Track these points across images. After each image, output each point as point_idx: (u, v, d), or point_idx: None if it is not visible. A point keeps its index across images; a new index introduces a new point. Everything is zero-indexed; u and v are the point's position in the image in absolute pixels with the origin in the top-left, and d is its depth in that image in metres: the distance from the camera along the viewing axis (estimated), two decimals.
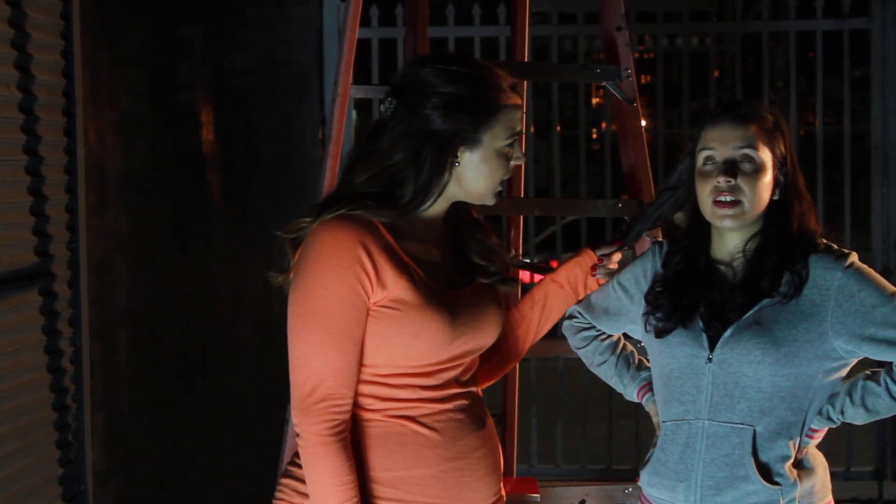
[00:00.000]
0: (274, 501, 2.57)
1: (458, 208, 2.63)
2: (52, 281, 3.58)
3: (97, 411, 3.83)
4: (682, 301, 2.69)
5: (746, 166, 2.61)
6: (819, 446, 2.72)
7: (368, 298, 2.41)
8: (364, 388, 2.46)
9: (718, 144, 2.63)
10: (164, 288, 4.50)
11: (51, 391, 3.59)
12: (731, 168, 2.60)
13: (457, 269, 2.59)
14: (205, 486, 4.89)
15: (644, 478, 2.79)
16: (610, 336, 3.01)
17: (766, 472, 2.60)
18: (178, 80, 4.84)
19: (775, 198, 2.65)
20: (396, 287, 2.41)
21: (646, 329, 2.76)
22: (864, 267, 2.62)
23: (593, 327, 2.99)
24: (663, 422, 2.75)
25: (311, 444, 2.39)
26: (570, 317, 3.01)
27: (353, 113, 7.27)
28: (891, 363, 2.60)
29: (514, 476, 4.01)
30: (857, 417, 2.65)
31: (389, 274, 2.41)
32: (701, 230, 2.73)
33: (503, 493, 2.64)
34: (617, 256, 2.95)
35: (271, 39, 6.19)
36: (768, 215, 2.65)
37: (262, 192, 5.73)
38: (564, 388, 6.84)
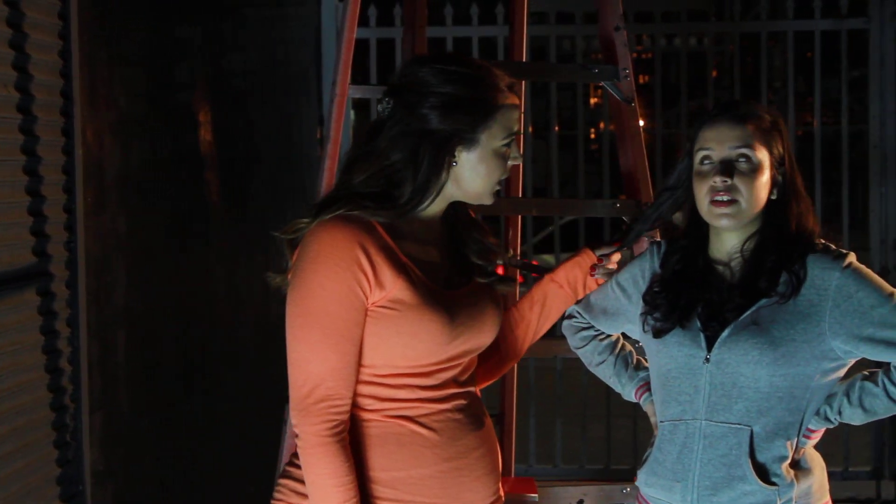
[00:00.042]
0: (272, 502, 2.57)
1: (456, 208, 2.63)
2: (50, 281, 3.58)
3: (95, 411, 3.83)
4: (679, 301, 2.69)
5: (743, 166, 2.61)
6: (817, 446, 2.72)
7: (367, 299, 2.41)
8: (362, 389, 2.46)
9: (715, 144, 2.63)
10: (163, 288, 4.50)
11: (49, 391, 3.59)
12: (727, 168, 2.60)
13: (455, 269, 2.59)
14: (203, 486, 4.89)
15: (641, 478, 2.79)
16: (609, 336, 3.01)
17: (763, 473, 2.60)
18: (176, 80, 4.84)
19: (773, 197, 2.65)
20: (394, 287, 2.41)
21: (644, 329, 2.76)
22: (863, 267, 2.62)
23: (592, 327, 2.99)
24: (661, 422, 2.75)
25: (310, 444, 2.39)
26: (570, 316, 3.02)
27: (352, 113, 7.27)
28: (889, 364, 2.60)
29: (513, 476, 4.01)
30: (855, 418, 2.65)
31: (387, 274, 2.41)
32: (699, 230, 2.73)
33: (502, 493, 2.64)
34: (616, 256, 2.95)
35: (270, 39, 6.19)
36: (766, 215, 2.66)
37: (260, 192, 5.73)
38: (563, 388, 6.84)
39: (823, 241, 2.67)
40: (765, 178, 2.62)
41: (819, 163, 6.68)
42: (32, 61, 3.48)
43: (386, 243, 2.44)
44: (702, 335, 2.64)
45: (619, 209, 3.64)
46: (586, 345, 3.02)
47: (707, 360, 2.62)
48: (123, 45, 4.20)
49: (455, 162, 2.50)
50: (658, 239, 2.96)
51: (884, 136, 6.65)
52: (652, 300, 2.76)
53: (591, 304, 2.95)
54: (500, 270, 2.75)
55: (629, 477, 3.15)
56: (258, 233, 5.38)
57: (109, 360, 3.97)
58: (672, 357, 2.68)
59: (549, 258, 8.21)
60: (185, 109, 4.88)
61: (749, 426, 2.60)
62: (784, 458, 2.61)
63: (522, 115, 2.66)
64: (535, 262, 6.47)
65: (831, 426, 2.67)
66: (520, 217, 4.15)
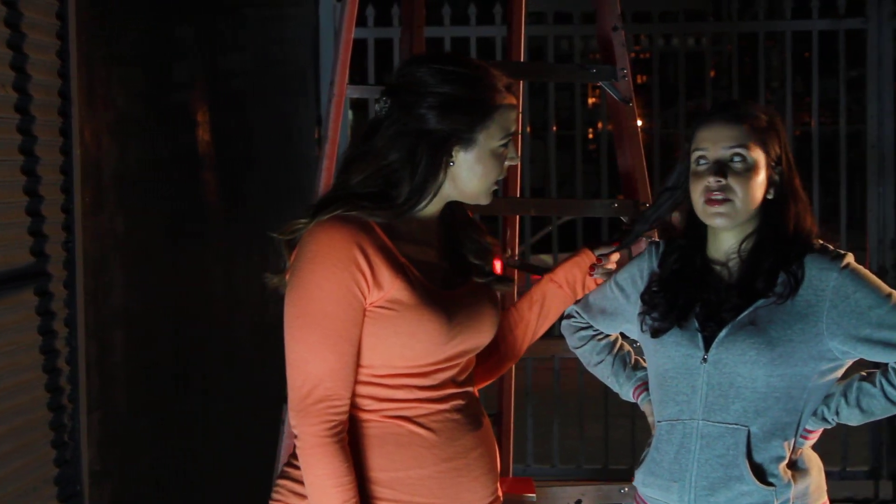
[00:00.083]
0: (270, 502, 2.57)
1: (453, 208, 2.63)
2: (48, 281, 3.58)
3: (93, 411, 3.83)
4: (677, 301, 2.69)
5: (738, 165, 2.61)
6: (815, 446, 2.72)
7: (365, 299, 2.41)
8: (361, 389, 2.46)
9: (710, 144, 2.64)
10: (161, 288, 4.49)
11: (47, 391, 3.59)
12: (721, 168, 2.61)
13: (452, 269, 2.59)
14: (201, 486, 4.89)
15: (639, 478, 2.79)
16: (607, 336, 3.01)
17: (760, 473, 2.60)
18: (174, 79, 4.83)
19: (770, 197, 2.65)
20: (392, 287, 2.41)
21: (642, 329, 2.76)
22: (860, 268, 2.62)
23: (591, 327, 2.99)
24: (658, 422, 2.75)
25: (309, 445, 2.39)
26: (568, 316, 3.02)
27: (350, 113, 7.27)
28: (886, 364, 2.60)
29: (511, 476, 4.01)
30: (852, 418, 2.65)
31: (385, 274, 2.41)
32: (697, 230, 2.73)
33: (500, 493, 2.64)
34: (615, 256, 2.95)
35: (268, 39, 6.19)
36: (764, 215, 2.66)
37: (258, 192, 5.73)
38: (561, 388, 6.84)
39: (821, 242, 2.67)
40: (760, 177, 2.62)
41: (817, 163, 6.69)
42: (30, 61, 3.48)
43: (384, 243, 2.44)
44: (699, 335, 2.64)
45: (617, 209, 3.64)
46: (584, 345, 3.02)
47: (704, 360, 2.63)
48: (121, 45, 4.20)
49: (452, 162, 2.50)
50: (656, 239, 2.96)
51: (882, 136, 6.66)
52: (650, 300, 2.76)
53: (589, 303, 2.95)
54: (498, 267, 2.76)
55: (627, 477, 3.15)
56: (256, 233, 5.38)
57: (107, 360, 3.97)
58: (669, 357, 2.68)
59: (547, 258, 8.20)
60: (183, 109, 4.88)
61: (746, 426, 2.60)
62: (781, 458, 2.61)
63: (520, 116, 2.66)
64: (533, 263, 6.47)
65: (829, 427, 2.68)
66: (518, 217, 4.15)
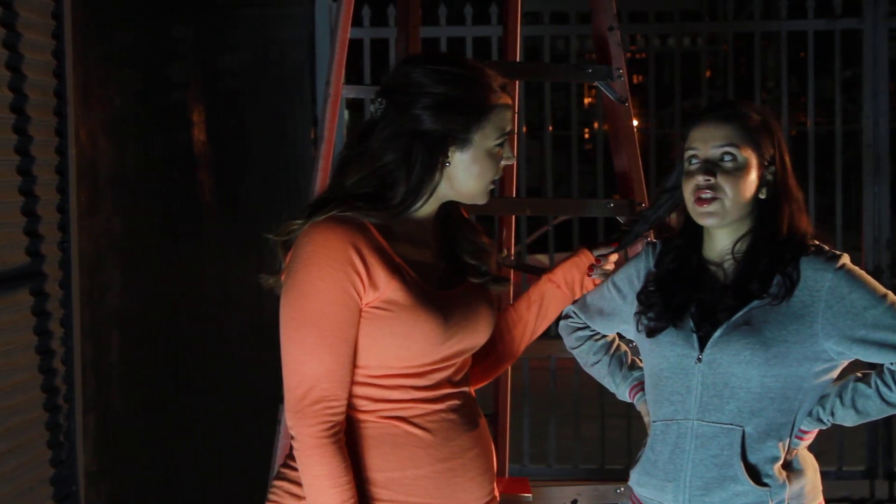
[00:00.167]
0: (266, 503, 2.57)
1: (449, 208, 2.63)
2: (43, 281, 3.58)
3: (89, 412, 3.83)
4: (673, 301, 2.69)
5: (727, 165, 2.62)
6: (811, 446, 2.72)
7: (360, 300, 2.41)
8: (356, 390, 2.46)
9: (700, 144, 2.65)
10: (156, 288, 4.49)
11: (42, 391, 3.58)
12: (711, 167, 2.62)
13: (448, 270, 2.59)
14: (197, 486, 4.89)
15: (634, 477, 2.79)
16: (604, 336, 3.01)
17: (755, 473, 2.60)
18: (169, 79, 4.83)
19: (762, 197, 2.65)
20: (388, 288, 2.41)
21: (637, 329, 2.77)
22: (856, 269, 2.62)
23: (588, 327, 3.00)
24: (653, 422, 2.76)
25: (307, 446, 2.39)
26: (566, 317, 3.02)
27: (346, 113, 7.27)
28: (882, 365, 2.60)
29: (507, 476, 4.01)
30: (848, 419, 2.65)
31: (381, 275, 2.41)
32: (693, 230, 2.74)
33: (496, 493, 2.64)
34: (614, 257, 2.96)
35: (264, 39, 6.18)
36: (758, 216, 2.66)
37: (254, 193, 5.73)
38: (557, 389, 6.84)
39: (817, 242, 2.67)
40: (751, 177, 2.63)
41: (812, 163, 6.70)
42: (26, 61, 3.47)
43: (379, 244, 2.44)
44: (694, 335, 2.64)
45: (613, 209, 3.64)
46: (582, 345, 3.02)
47: (699, 360, 2.63)
48: (117, 45, 4.20)
49: (448, 162, 2.50)
50: (653, 239, 2.96)
51: (877, 136, 6.67)
52: (646, 299, 2.76)
53: (587, 304, 2.95)
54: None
55: (623, 477, 3.16)
56: (252, 233, 5.37)
57: (103, 360, 3.97)
58: (664, 357, 2.69)
59: (543, 258, 8.21)
60: (179, 109, 4.88)
61: (741, 426, 2.60)
62: (776, 458, 2.61)
63: (516, 116, 2.66)
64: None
65: (824, 427, 2.67)
66: (514, 217, 4.15)
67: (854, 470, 6.73)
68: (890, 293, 2.59)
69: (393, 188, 2.48)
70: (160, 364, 4.54)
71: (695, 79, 8.21)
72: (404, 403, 2.47)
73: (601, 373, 3.02)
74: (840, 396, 2.63)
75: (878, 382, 2.60)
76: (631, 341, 2.93)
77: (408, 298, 2.43)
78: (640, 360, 2.90)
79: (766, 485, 2.59)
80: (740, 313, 2.61)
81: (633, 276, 2.85)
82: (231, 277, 5.32)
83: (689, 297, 2.68)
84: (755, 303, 2.60)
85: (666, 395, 2.70)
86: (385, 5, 6.75)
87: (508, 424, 4.07)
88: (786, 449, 2.63)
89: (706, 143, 2.64)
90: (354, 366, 2.44)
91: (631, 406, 2.99)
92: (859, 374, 2.66)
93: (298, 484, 2.47)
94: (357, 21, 6.49)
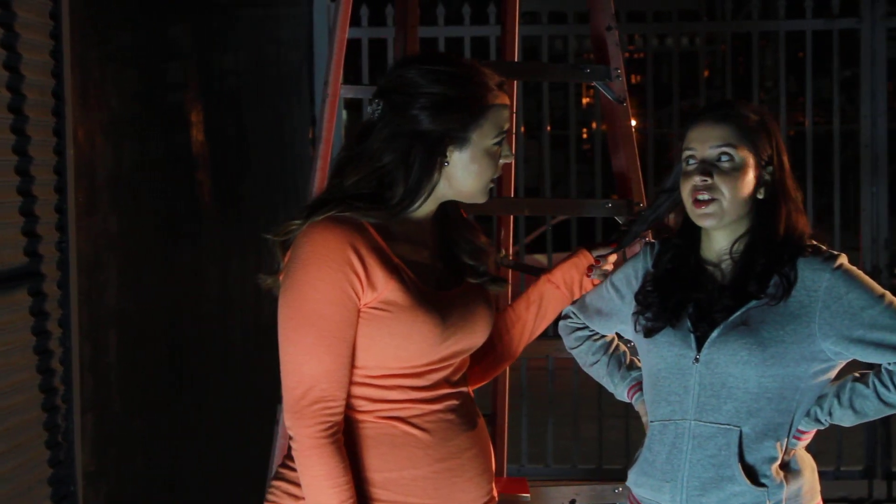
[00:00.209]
0: (265, 503, 2.57)
1: (448, 208, 2.63)
2: (41, 281, 3.58)
3: (87, 412, 3.82)
4: (670, 301, 2.69)
5: (724, 165, 2.62)
6: (809, 445, 2.72)
7: (359, 300, 2.40)
8: (354, 390, 2.46)
9: (698, 144, 2.65)
10: (154, 288, 4.49)
11: (40, 392, 3.58)
12: (708, 167, 2.62)
13: (446, 270, 2.59)
14: (195, 487, 4.89)
15: (631, 477, 2.79)
16: (603, 336, 3.01)
17: (752, 474, 2.60)
18: (167, 80, 4.83)
19: (760, 197, 2.65)
20: (386, 289, 2.41)
21: (635, 329, 2.77)
22: (853, 269, 2.62)
23: (587, 327, 3.00)
24: (651, 422, 2.76)
25: (305, 447, 2.39)
26: (565, 317, 3.02)
27: (344, 113, 7.27)
28: (880, 365, 2.60)
29: (505, 476, 4.01)
30: (845, 419, 2.65)
31: (379, 275, 2.41)
32: (691, 230, 2.74)
33: (495, 493, 2.64)
34: (613, 258, 2.96)
35: (262, 39, 6.18)
36: (756, 216, 2.66)
37: (252, 193, 5.73)
38: (555, 389, 6.84)
39: (814, 243, 2.67)
40: (748, 177, 2.63)
41: (810, 163, 6.70)
42: (24, 61, 3.47)
43: (377, 244, 2.44)
44: (692, 335, 2.64)
45: (611, 209, 3.64)
46: (581, 345, 3.02)
47: (696, 360, 2.63)
48: (115, 45, 4.20)
49: (447, 162, 2.50)
50: (651, 240, 2.96)
51: (875, 136, 6.67)
52: (644, 299, 2.76)
53: (585, 304, 2.95)
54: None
55: (621, 477, 3.16)
56: (250, 233, 5.38)
57: (101, 360, 3.97)
58: (662, 357, 2.69)
59: (541, 258, 8.21)
60: (177, 109, 4.88)
61: (738, 427, 2.60)
62: (773, 459, 2.61)
63: (514, 115, 2.66)
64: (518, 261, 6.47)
65: (821, 427, 2.67)
66: (512, 217, 4.15)
67: (852, 470, 6.73)
68: (887, 293, 2.59)
69: (392, 188, 2.48)
70: (158, 364, 4.54)
71: (693, 79, 8.22)
72: (402, 404, 2.47)
73: (600, 373, 3.02)
74: (838, 396, 2.63)
75: (876, 382, 2.60)
76: (629, 341, 2.93)
77: (406, 299, 2.43)
78: (639, 361, 2.90)
79: (763, 485, 2.59)
80: (738, 313, 2.61)
81: (632, 276, 2.86)
82: (229, 277, 5.32)
83: (686, 298, 2.68)
84: (753, 303, 2.60)
85: (663, 395, 2.70)
86: (383, 5, 6.75)
87: (507, 424, 4.07)
88: (783, 449, 2.63)
89: (703, 143, 2.64)
90: (353, 366, 2.44)
91: (629, 406, 2.99)
92: (857, 375, 2.66)
93: (297, 484, 2.47)
94: (355, 21, 6.49)
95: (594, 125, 8.38)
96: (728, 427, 2.61)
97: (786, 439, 2.63)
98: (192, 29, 5.08)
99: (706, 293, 2.67)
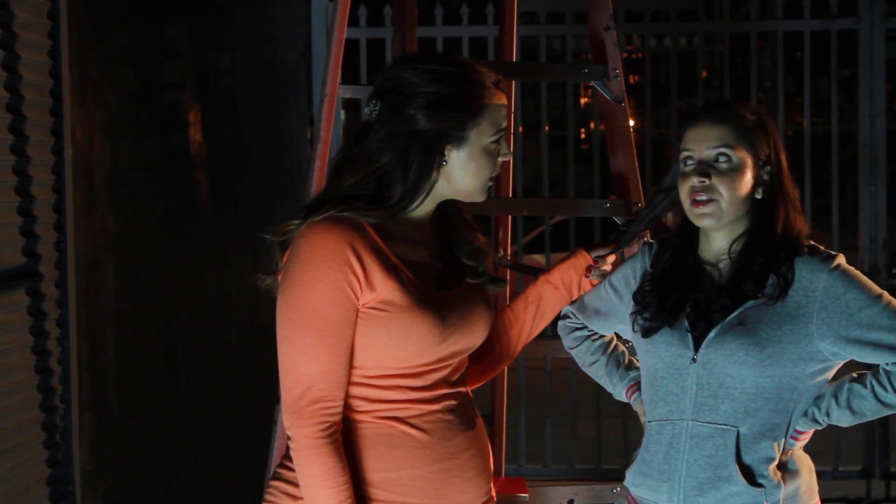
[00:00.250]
0: (263, 503, 2.57)
1: (447, 208, 2.63)
2: (39, 281, 3.58)
3: (85, 412, 3.82)
4: (668, 301, 2.69)
5: (722, 166, 2.62)
6: (807, 446, 2.72)
7: (357, 300, 2.40)
8: (353, 390, 2.46)
9: (695, 145, 2.65)
10: (153, 288, 4.49)
11: (38, 392, 3.58)
12: (706, 168, 2.62)
13: (445, 270, 2.59)
14: (194, 486, 4.89)
15: (629, 478, 2.79)
16: (602, 336, 3.01)
17: (750, 474, 2.60)
18: (166, 80, 4.83)
19: (758, 196, 2.65)
20: (385, 289, 2.41)
21: (633, 329, 2.77)
22: (851, 269, 2.62)
23: (586, 328, 3.00)
24: (649, 422, 2.76)
25: (304, 447, 2.39)
26: (564, 317, 3.03)
27: (342, 113, 7.27)
28: (877, 365, 2.60)
29: (503, 476, 4.01)
30: (843, 419, 2.65)
31: (378, 275, 2.41)
32: (689, 230, 2.74)
33: (493, 493, 2.64)
34: (611, 258, 2.96)
35: (259, 39, 6.18)
36: (754, 216, 2.66)
37: (250, 192, 5.73)
38: (553, 389, 6.84)
39: (812, 243, 2.67)
40: (746, 177, 2.63)
41: (809, 163, 6.70)
42: (22, 61, 3.47)
43: (376, 244, 2.43)
44: (689, 335, 2.64)
45: (609, 209, 3.64)
46: (579, 345, 3.03)
47: (694, 360, 2.63)
48: (113, 45, 4.20)
49: (445, 161, 2.50)
50: (649, 240, 2.96)
51: (873, 136, 6.67)
52: (642, 299, 2.76)
53: (584, 304, 2.95)
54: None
55: (619, 477, 3.16)
56: (248, 233, 5.38)
57: (99, 360, 3.97)
58: (660, 357, 2.69)
59: (539, 258, 8.21)
60: (175, 109, 4.88)
61: (735, 427, 2.60)
62: (771, 459, 2.61)
63: (512, 114, 2.66)
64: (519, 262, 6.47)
65: (819, 427, 2.67)
66: (510, 217, 4.15)
67: (850, 470, 6.73)
68: (885, 293, 2.59)
69: (390, 188, 2.48)
70: (156, 364, 4.54)
71: (691, 79, 8.21)
72: (401, 404, 2.47)
73: (599, 373, 3.02)
74: (835, 397, 2.63)
75: (874, 383, 2.60)
76: (628, 341, 2.93)
77: (405, 299, 2.43)
78: (638, 361, 2.90)
79: (760, 485, 2.59)
80: (735, 313, 2.61)
81: (630, 276, 2.86)
82: (227, 277, 5.32)
83: (684, 298, 2.68)
84: (750, 303, 2.60)
85: (661, 395, 2.70)
86: (381, 5, 6.75)
87: (505, 424, 4.07)
88: (781, 449, 2.63)
89: (701, 143, 2.64)
90: (351, 366, 2.44)
91: (627, 406, 2.99)
92: (855, 375, 2.66)
93: (295, 484, 2.47)
94: (353, 21, 6.48)
95: (592, 125, 8.38)
96: (725, 427, 2.61)
97: (783, 439, 2.63)
98: (189, 29, 5.08)
99: (704, 293, 2.67)
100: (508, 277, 2.97)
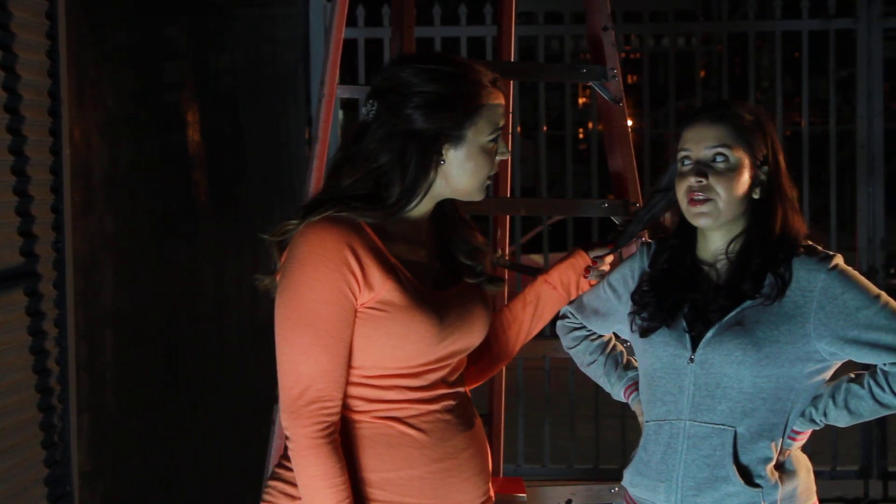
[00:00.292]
0: (261, 503, 2.57)
1: (445, 208, 2.63)
2: (37, 281, 3.58)
3: (83, 412, 3.82)
4: (666, 301, 2.70)
5: (720, 165, 2.62)
6: (805, 446, 2.72)
7: (356, 300, 2.40)
8: (351, 390, 2.46)
9: (693, 145, 2.65)
10: (151, 288, 4.49)
11: (36, 392, 3.58)
12: (703, 168, 2.62)
13: (443, 270, 2.59)
14: (192, 487, 4.88)
15: (627, 477, 2.79)
16: (600, 336, 3.01)
17: (747, 474, 2.60)
18: (164, 80, 4.83)
19: (756, 197, 2.65)
20: (383, 288, 2.41)
21: (631, 329, 2.77)
22: (849, 269, 2.62)
23: (584, 327, 3.00)
24: (646, 422, 2.76)
25: (302, 447, 2.39)
26: (563, 317, 3.03)
27: (340, 113, 7.27)
28: (875, 366, 2.60)
29: (501, 476, 4.01)
30: (840, 420, 2.65)
31: (376, 275, 2.41)
32: (687, 230, 2.74)
33: (492, 493, 2.64)
34: (610, 258, 2.96)
35: (258, 39, 6.18)
36: (752, 216, 2.66)
37: (248, 193, 5.73)
38: (551, 389, 6.84)
39: (810, 243, 2.67)
40: (744, 177, 2.63)
41: (807, 163, 6.70)
42: (20, 61, 3.47)
43: (374, 244, 2.44)
44: (687, 335, 2.64)
45: (607, 209, 3.65)
46: (578, 345, 3.03)
47: (691, 360, 2.63)
48: (111, 45, 4.20)
49: (443, 160, 2.50)
50: (647, 240, 2.97)
51: (871, 136, 6.67)
52: (640, 299, 2.76)
53: (583, 304, 2.95)
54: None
55: (618, 477, 3.16)
56: (246, 233, 5.38)
57: (97, 360, 3.97)
58: (658, 357, 2.69)
59: (537, 258, 8.21)
60: (173, 109, 4.88)
61: (733, 427, 2.60)
62: (768, 459, 2.61)
63: (510, 114, 2.66)
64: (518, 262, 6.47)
65: (817, 428, 2.67)
66: (508, 217, 4.15)
67: (848, 470, 6.74)
68: (883, 294, 2.59)
69: (388, 188, 2.48)
70: (155, 364, 4.54)
71: (689, 79, 8.22)
72: (399, 404, 2.47)
73: (597, 373, 3.02)
74: (833, 397, 2.63)
75: (871, 383, 2.60)
76: (627, 341, 2.93)
77: (403, 299, 2.43)
78: (636, 360, 2.90)
79: (757, 485, 2.59)
80: (732, 313, 2.61)
81: (628, 276, 2.86)
82: (225, 277, 5.32)
83: (682, 298, 2.68)
84: (747, 303, 2.61)
85: (659, 395, 2.70)
86: (379, 5, 6.75)
87: (503, 424, 4.07)
88: (778, 449, 2.63)
89: (698, 143, 2.64)
90: (349, 366, 2.44)
91: (626, 406, 2.99)
92: (852, 375, 2.66)
93: (293, 484, 2.47)
94: (351, 21, 6.48)
95: (590, 125, 8.38)
96: (723, 427, 2.61)
97: (781, 440, 2.63)
98: (188, 29, 5.08)
99: (702, 293, 2.67)
100: (507, 277, 2.97)
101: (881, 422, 6.59)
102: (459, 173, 2.52)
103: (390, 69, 2.55)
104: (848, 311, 2.56)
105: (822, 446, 6.30)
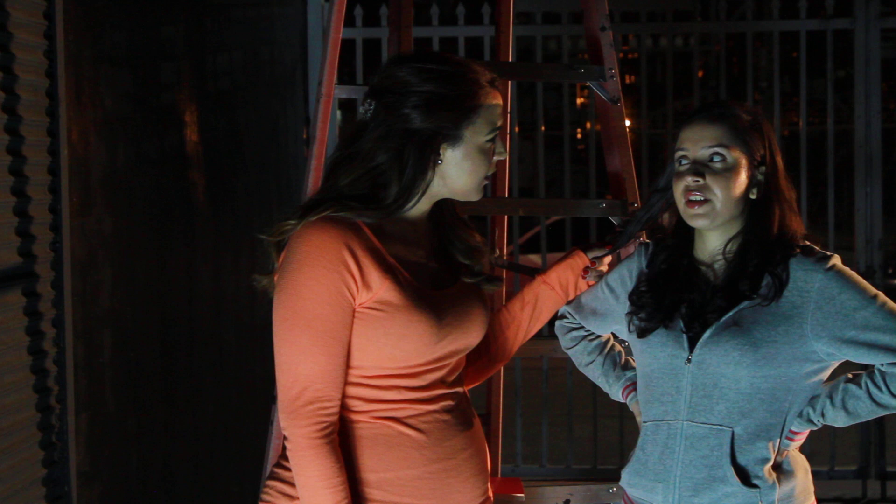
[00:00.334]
0: (259, 503, 2.57)
1: (443, 208, 2.63)
2: (35, 281, 3.57)
3: (81, 412, 3.82)
4: (664, 301, 2.70)
5: (717, 166, 2.62)
6: (803, 446, 2.72)
7: (354, 300, 2.40)
8: (350, 390, 2.46)
9: (690, 145, 2.65)
10: (148, 289, 4.48)
11: (34, 392, 3.58)
12: (700, 168, 2.62)
13: (441, 269, 2.59)
14: (190, 487, 4.88)
15: (625, 478, 2.79)
16: (599, 336, 3.02)
17: (744, 474, 2.60)
18: (162, 80, 4.82)
19: (753, 197, 2.65)
20: (381, 288, 2.41)
21: (629, 329, 2.77)
22: (846, 269, 2.62)
23: (582, 328, 3.00)
24: (644, 422, 2.76)
25: (300, 447, 2.39)
26: (561, 317, 3.03)
27: (338, 113, 7.27)
28: (872, 366, 2.60)
29: (499, 476, 4.01)
30: (838, 420, 2.65)
31: (374, 275, 2.41)
32: (685, 231, 2.74)
33: (490, 493, 2.64)
34: (608, 259, 2.96)
35: (256, 39, 6.18)
36: (749, 216, 2.66)
37: (246, 193, 5.72)
38: (549, 389, 6.84)
39: (807, 243, 2.67)
40: (741, 177, 2.63)
41: (805, 163, 6.71)
42: (17, 61, 3.47)
43: (372, 244, 2.44)
44: (684, 336, 2.65)
45: (605, 209, 3.65)
46: (576, 345, 3.03)
47: (689, 360, 2.63)
48: (109, 45, 4.19)
49: (440, 160, 2.50)
50: (645, 240, 2.97)
51: (869, 137, 6.68)
52: (638, 300, 2.76)
53: (581, 304, 2.95)
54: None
55: (616, 477, 3.16)
56: (244, 233, 5.38)
57: (95, 360, 3.96)
58: (655, 357, 2.69)
59: (535, 258, 8.21)
60: (171, 110, 4.88)
61: (730, 427, 2.60)
62: (766, 459, 2.61)
63: (508, 114, 2.66)
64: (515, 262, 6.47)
65: (814, 428, 2.68)
66: (506, 217, 4.15)
67: (846, 470, 6.74)
68: (880, 294, 2.59)
69: (386, 188, 2.48)
70: (153, 364, 4.54)
71: (687, 79, 8.23)
72: (398, 404, 2.47)
73: (595, 373, 3.03)
74: (830, 397, 2.63)
75: (869, 383, 2.60)
76: (625, 341, 2.93)
77: (401, 299, 2.43)
78: (634, 361, 2.90)
79: (755, 486, 2.59)
80: (730, 314, 2.61)
81: (626, 276, 2.86)
82: (223, 277, 5.32)
83: (679, 298, 2.69)
84: (745, 303, 2.61)
85: (656, 395, 2.70)
86: (377, 5, 6.75)
87: (501, 424, 4.07)
88: (776, 450, 2.63)
89: (695, 143, 2.64)
90: (348, 366, 2.44)
91: (623, 406, 3.00)
92: (850, 375, 2.66)
93: (291, 484, 2.47)
94: (349, 21, 6.48)
95: (588, 125, 8.38)
96: (720, 428, 2.61)
97: (778, 440, 2.63)
98: (185, 29, 5.07)
99: (699, 293, 2.68)
100: (505, 277, 2.97)
101: (879, 422, 6.59)
102: (457, 173, 2.52)
103: (388, 69, 2.55)
104: (845, 311, 2.56)
105: (820, 446, 6.30)
